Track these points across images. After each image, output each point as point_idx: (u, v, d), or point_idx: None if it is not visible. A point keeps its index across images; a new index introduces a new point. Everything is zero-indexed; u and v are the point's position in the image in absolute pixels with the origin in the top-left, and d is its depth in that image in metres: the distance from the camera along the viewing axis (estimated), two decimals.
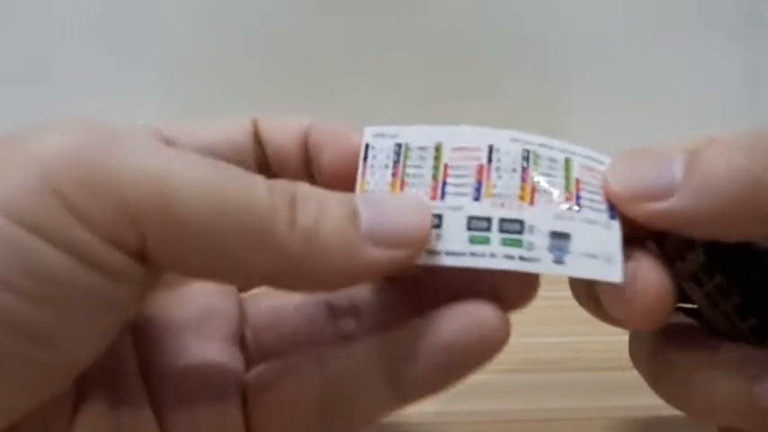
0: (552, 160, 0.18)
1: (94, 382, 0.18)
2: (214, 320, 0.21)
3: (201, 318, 0.21)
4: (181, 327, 0.21)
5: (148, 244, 0.15)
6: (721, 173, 0.16)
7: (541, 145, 0.18)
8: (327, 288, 0.20)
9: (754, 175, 0.16)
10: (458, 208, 0.17)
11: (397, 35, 0.54)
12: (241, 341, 0.21)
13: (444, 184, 0.18)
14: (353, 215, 0.17)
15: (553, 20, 0.55)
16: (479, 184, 0.17)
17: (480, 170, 0.18)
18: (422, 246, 0.17)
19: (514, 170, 0.17)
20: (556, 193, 0.17)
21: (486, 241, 0.17)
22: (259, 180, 0.16)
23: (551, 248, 0.16)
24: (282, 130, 0.21)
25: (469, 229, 0.17)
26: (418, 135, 0.19)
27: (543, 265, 0.16)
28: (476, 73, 0.58)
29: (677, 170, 0.17)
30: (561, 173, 0.18)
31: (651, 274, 0.17)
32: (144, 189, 0.15)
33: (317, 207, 0.16)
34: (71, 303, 0.15)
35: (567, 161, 0.18)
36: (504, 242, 0.17)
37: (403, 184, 0.18)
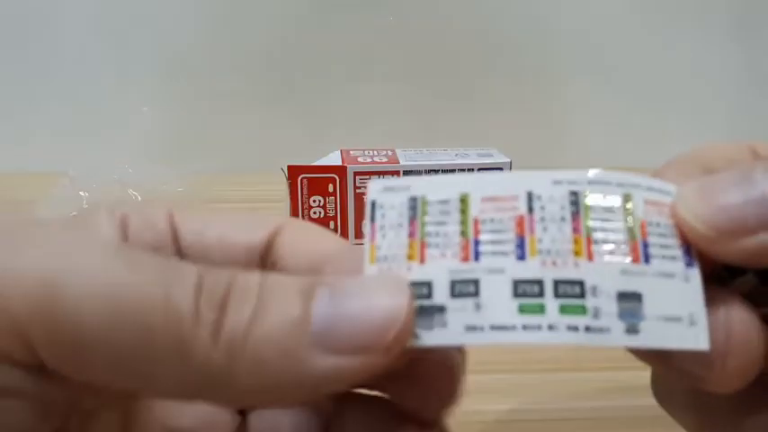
0: (608, 201, 0.15)
1: None
2: (211, 429, 0.18)
3: (198, 426, 0.18)
4: None
5: (43, 357, 0.13)
6: None
7: (591, 182, 0.15)
8: (271, 405, 0.17)
9: None
10: (499, 270, 0.14)
11: (395, 35, 0.54)
12: None
13: (477, 242, 0.15)
14: (303, 316, 0.13)
15: (554, 21, 0.55)
16: (522, 239, 0.14)
17: (521, 222, 0.15)
18: (396, 350, 0.13)
19: (563, 219, 0.14)
20: (618, 242, 0.14)
21: (540, 310, 0.14)
22: (188, 274, 0.13)
23: (622, 314, 0.14)
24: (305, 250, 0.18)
25: (517, 295, 0.14)
26: (436, 186, 0.15)
27: (614, 336, 0.13)
28: (475, 75, 0.58)
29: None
30: (621, 215, 0.15)
31: (748, 333, 0.14)
32: (30, 294, 0.13)
33: (255, 306, 0.13)
34: None
35: (627, 198, 0.15)
36: (563, 310, 0.14)
37: (423, 246, 0.15)
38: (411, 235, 0.15)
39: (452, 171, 0.41)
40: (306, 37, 0.55)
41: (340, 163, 0.41)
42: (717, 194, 0.14)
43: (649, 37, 0.56)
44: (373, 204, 0.15)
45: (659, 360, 0.15)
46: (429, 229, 0.15)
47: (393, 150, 0.44)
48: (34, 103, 0.56)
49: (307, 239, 0.18)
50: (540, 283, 0.14)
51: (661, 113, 0.56)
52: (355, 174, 0.41)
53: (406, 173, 0.41)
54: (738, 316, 0.14)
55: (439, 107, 0.57)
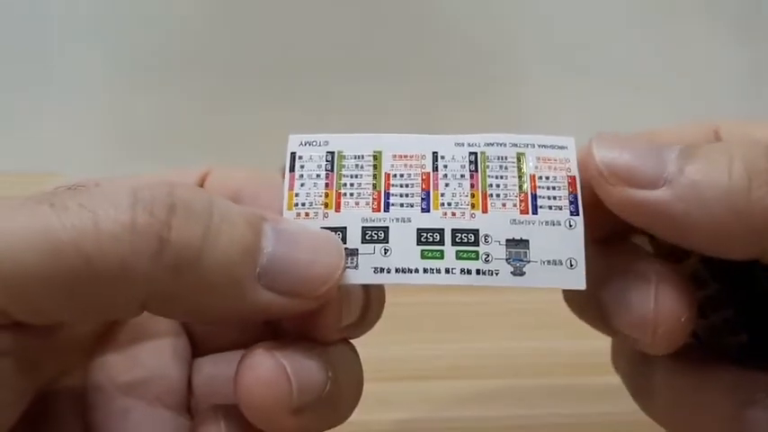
0: (502, 159, 0.17)
1: None
2: (161, 386, 0.19)
3: (149, 382, 0.19)
4: (126, 388, 0.19)
5: (8, 311, 0.14)
6: (716, 183, 0.14)
7: (488, 144, 0.17)
8: (204, 322, 0.19)
9: (749, 196, 0.14)
10: (406, 220, 0.16)
11: (395, 35, 0.54)
12: (187, 407, 0.20)
13: (388, 194, 0.16)
14: (253, 248, 0.14)
15: (555, 20, 0.55)
16: (427, 193, 0.16)
17: (427, 179, 0.16)
18: (324, 299, 0.15)
19: (463, 176, 0.16)
20: (509, 195, 0.16)
21: (440, 256, 0.15)
22: (120, 196, 0.14)
23: (509, 258, 0.15)
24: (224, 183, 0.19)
25: (420, 242, 0.16)
26: (352, 142, 0.17)
27: (502, 278, 0.15)
28: (475, 75, 0.58)
29: (670, 162, 0.15)
30: (514, 171, 0.16)
31: (677, 300, 0.15)
32: None
33: (205, 227, 0.14)
34: None
35: (519, 157, 0.17)
36: (459, 255, 0.15)
37: (339, 196, 0.16)
38: (328, 185, 0.16)
39: None
40: (305, 35, 0.55)
41: None
42: (628, 146, 0.16)
43: (650, 31, 0.56)
44: (293, 156, 0.17)
45: (602, 323, 0.17)
46: (344, 180, 0.17)
47: None
48: (24, 101, 0.56)
49: (231, 174, 0.20)
50: (440, 231, 0.16)
51: (661, 113, 0.56)
52: None
53: None
54: (667, 288, 0.15)
55: (439, 107, 0.57)
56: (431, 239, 0.16)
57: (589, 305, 0.17)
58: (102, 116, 0.57)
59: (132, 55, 0.55)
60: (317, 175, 0.17)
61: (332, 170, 0.17)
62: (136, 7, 0.53)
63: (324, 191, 0.16)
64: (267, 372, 0.15)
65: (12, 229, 0.13)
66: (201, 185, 0.19)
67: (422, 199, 0.16)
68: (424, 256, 0.16)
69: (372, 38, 0.54)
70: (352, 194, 0.16)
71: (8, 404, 0.15)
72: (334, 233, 0.16)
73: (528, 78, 0.56)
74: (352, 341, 0.17)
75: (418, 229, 0.16)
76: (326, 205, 0.16)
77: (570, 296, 0.18)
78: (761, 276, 0.17)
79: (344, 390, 0.16)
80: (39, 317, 0.14)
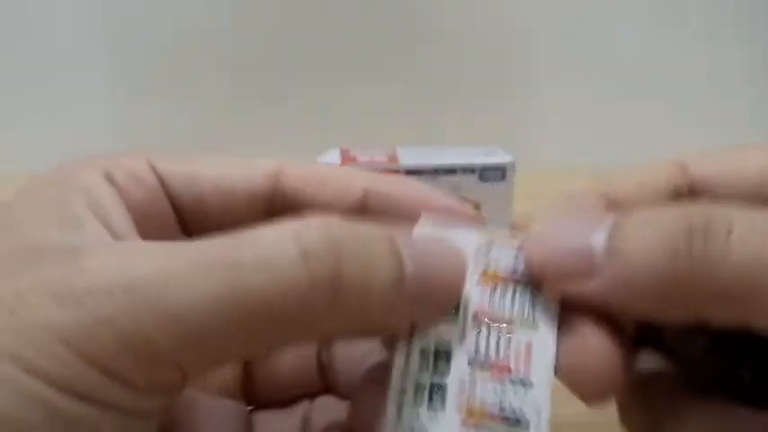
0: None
1: None
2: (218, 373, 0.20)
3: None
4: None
5: (186, 369, 0.14)
6: (641, 264, 0.15)
7: None
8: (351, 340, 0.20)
9: (674, 274, 0.14)
10: None
11: (396, 34, 0.54)
12: (242, 389, 0.20)
13: None
14: (401, 274, 0.15)
15: (556, 20, 0.55)
16: None
17: None
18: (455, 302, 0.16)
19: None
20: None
21: None
22: (291, 247, 0.14)
23: None
24: (322, 191, 0.19)
25: None
26: None
27: None
28: (476, 74, 0.57)
29: (598, 246, 0.15)
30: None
31: (591, 358, 0.16)
32: (161, 325, 0.13)
33: (365, 264, 0.15)
34: None
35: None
36: None
37: None
38: None
39: (453, 171, 0.40)
40: (305, 35, 0.55)
41: (339, 161, 0.40)
42: (556, 238, 0.16)
43: (654, 33, 0.56)
44: None
45: None
46: None
47: (393, 149, 0.43)
48: (15, 102, 0.56)
49: (315, 181, 0.19)
50: None
51: (663, 112, 0.56)
52: None
53: (407, 172, 0.40)
54: (592, 353, 0.16)
55: (439, 106, 0.57)
56: None
57: None
58: (103, 121, 0.57)
59: (134, 61, 0.55)
60: None
61: None
62: (137, 13, 0.53)
63: None
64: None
65: (196, 295, 0.13)
66: (274, 188, 0.19)
67: None
68: None
69: (377, 41, 0.54)
70: None
71: None
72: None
73: (538, 81, 0.56)
74: None
75: None
76: None
77: None
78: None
79: None
80: (213, 366, 0.15)
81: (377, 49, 0.55)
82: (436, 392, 0.16)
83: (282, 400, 0.21)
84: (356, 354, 0.21)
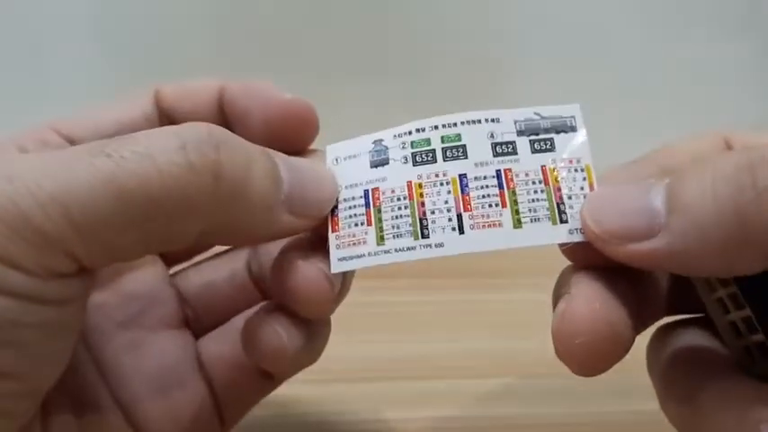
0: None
1: (58, 396, 0.18)
2: (156, 309, 0.21)
3: (144, 309, 0.21)
4: (127, 323, 0.21)
5: (79, 258, 0.15)
6: (706, 210, 0.15)
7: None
8: (241, 245, 0.22)
9: (740, 213, 0.14)
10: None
11: (395, 34, 0.54)
12: (185, 321, 0.22)
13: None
14: (278, 176, 0.17)
15: (556, 20, 0.55)
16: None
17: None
18: (325, 219, 0.18)
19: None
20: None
21: None
22: (172, 142, 0.15)
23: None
24: (191, 96, 0.21)
25: None
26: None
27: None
28: (476, 74, 0.57)
29: (659, 204, 0.15)
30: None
31: (581, 315, 0.16)
32: (44, 211, 0.14)
33: (245, 160, 0.16)
34: (27, 338, 0.15)
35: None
36: None
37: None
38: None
39: None
40: (305, 35, 0.55)
41: None
42: (617, 203, 0.16)
43: (652, 33, 0.56)
44: None
45: None
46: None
47: None
48: (13, 102, 0.56)
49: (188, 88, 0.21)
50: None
51: (664, 110, 0.56)
52: None
53: None
54: (582, 298, 0.16)
55: (439, 105, 0.57)
56: None
57: None
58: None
59: (130, 54, 0.54)
60: None
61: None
62: (134, 8, 0.53)
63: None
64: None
65: (77, 181, 0.14)
66: (160, 108, 0.21)
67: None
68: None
69: (372, 37, 0.54)
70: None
71: (70, 349, 0.16)
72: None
73: (531, 75, 0.56)
74: None
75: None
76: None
77: None
78: None
79: None
80: (106, 258, 0.15)
81: (375, 47, 0.55)
82: None
83: (228, 321, 0.22)
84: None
